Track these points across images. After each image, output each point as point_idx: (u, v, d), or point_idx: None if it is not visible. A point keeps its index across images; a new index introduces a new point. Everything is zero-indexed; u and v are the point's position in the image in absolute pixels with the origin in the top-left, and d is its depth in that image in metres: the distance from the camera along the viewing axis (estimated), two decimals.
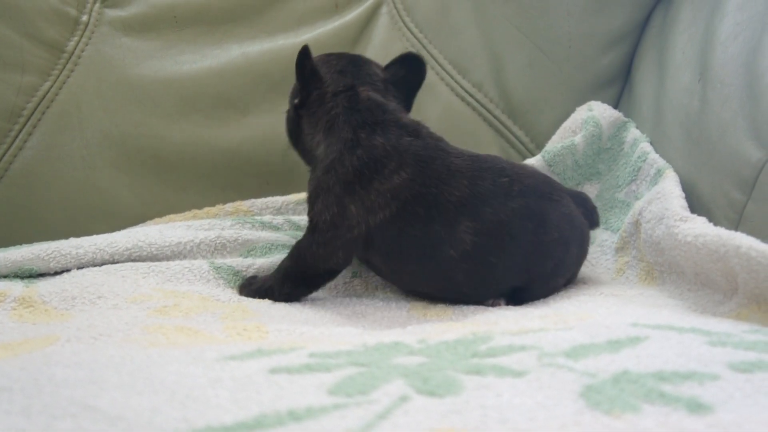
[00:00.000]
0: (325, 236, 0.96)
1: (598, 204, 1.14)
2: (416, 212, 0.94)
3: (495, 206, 0.94)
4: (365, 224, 0.94)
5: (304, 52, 1.03)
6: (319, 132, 1.03)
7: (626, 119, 1.24)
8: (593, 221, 1.07)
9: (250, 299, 0.97)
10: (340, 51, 1.29)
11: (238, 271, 1.05)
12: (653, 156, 1.12)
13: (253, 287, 1.01)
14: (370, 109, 1.01)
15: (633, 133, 1.20)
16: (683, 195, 0.99)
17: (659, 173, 1.07)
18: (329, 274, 1.01)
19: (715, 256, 0.81)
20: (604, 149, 1.22)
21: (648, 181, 1.10)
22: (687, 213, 0.93)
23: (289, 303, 0.97)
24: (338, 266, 1.00)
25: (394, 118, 1.01)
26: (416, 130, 1.00)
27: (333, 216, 0.95)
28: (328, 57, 1.10)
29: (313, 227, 0.98)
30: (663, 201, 0.98)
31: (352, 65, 1.08)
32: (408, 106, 1.11)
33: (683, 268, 0.91)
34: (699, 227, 0.86)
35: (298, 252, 1.00)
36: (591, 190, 1.20)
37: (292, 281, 0.99)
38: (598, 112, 1.23)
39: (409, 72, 1.10)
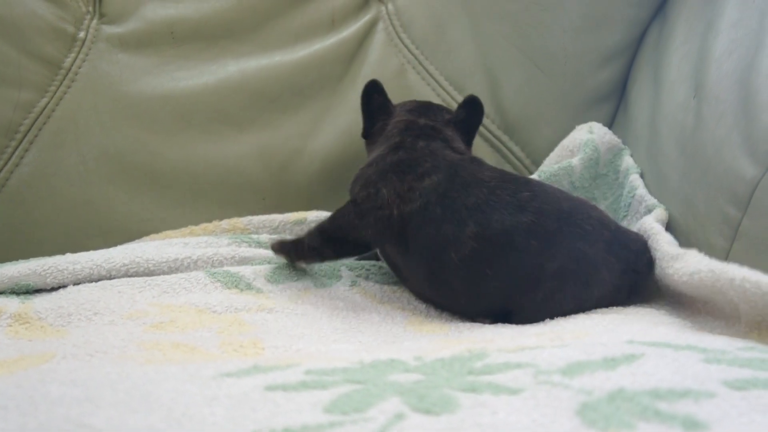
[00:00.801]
0: (361, 208, 1.00)
1: None
2: (435, 212, 0.96)
3: (504, 215, 0.93)
4: (397, 209, 0.98)
5: (371, 86, 1.14)
6: (375, 149, 1.09)
7: (623, 146, 1.24)
8: (638, 271, 0.97)
9: (248, 307, 0.97)
10: (339, 67, 1.31)
11: (234, 274, 1.04)
12: (641, 192, 1.13)
13: (284, 240, 1.07)
14: (424, 128, 1.08)
15: (626, 161, 1.20)
16: (663, 230, 1.00)
17: (648, 212, 1.08)
18: (355, 246, 1.05)
19: (713, 289, 0.82)
20: (600, 174, 1.22)
21: (638, 218, 1.10)
22: (676, 249, 0.93)
23: (285, 315, 0.96)
24: (366, 239, 1.02)
25: (445, 137, 1.07)
26: (461, 151, 1.06)
27: (369, 194, 1.00)
28: (408, 101, 1.18)
29: (352, 200, 1.03)
30: (651, 242, 0.99)
31: (423, 107, 1.15)
32: (467, 146, 1.14)
33: (681, 300, 0.92)
34: (692, 264, 0.85)
35: (337, 214, 1.03)
36: None
37: (322, 236, 1.03)
38: (597, 135, 1.23)
39: (468, 113, 1.14)
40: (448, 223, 0.95)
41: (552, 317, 0.94)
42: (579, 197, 1.07)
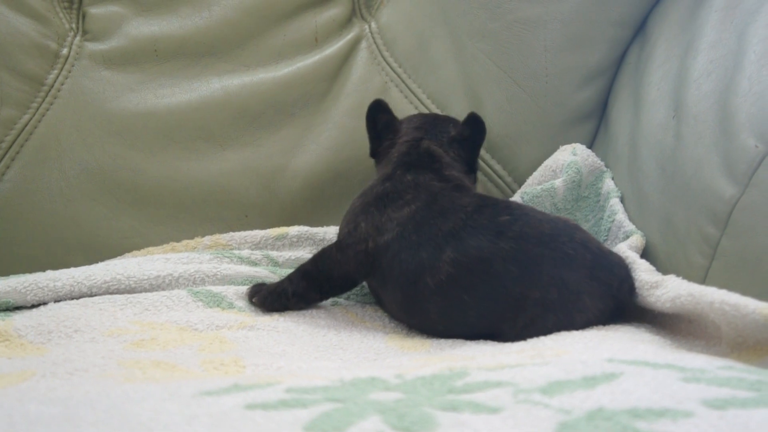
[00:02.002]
0: (341, 243, 1.02)
1: None
2: (410, 239, 0.97)
3: (481, 241, 0.92)
4: (373, 241, 1.00)
5: (375, 107, 1.18)
6: (380, 169, 1.12)
7: (605, 169, 1.25)
8: (621, 298, 0.95)
9: (229, 326, 0.97)
10: (322, 85, 1.31)
11: (216, 294, 1.04)
12: (620, 217, 1.13)
13: (264, 291, 1.03)
14: (421, 156, 1.10)
15: (607, 184, 1.21)
16: (638, 257, 1.01)
17: (626, 237, 1.09)
18: (342, 282, 1.04)
19: (694, 314, 0.83)
20: (582, 197, 1.22)
21: (616, 244, 1.10)
22: (654, 276, 0.93)
23: (267, 332, 0.96)
24: (350, 274, 1.03)
25: (439, 166, 1.08)
26: (453, 180, 1.06)
27: (350, 231, 1.02)
28: (415, 115, 1.21)
29: (338, 239, 1.05)
30: None
31: (430, 123, 1.17)
32: (471, 162, 1.16)
33: (662, 319, 0.92)
34: (671, 291, 0.86)
35: (319, 255, 1.04)
36: None
37: (307, 279, 1.03)
38: (581, 157, 1.24)
39: (472, 131, 1.15)
40: (423, 249, 0.95)
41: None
42: (561, 217, 1.07)
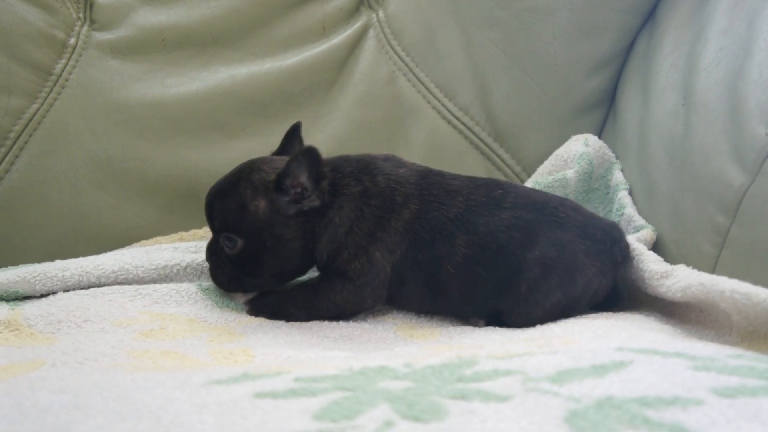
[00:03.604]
0: (355, 284, 0.98)
1: None
2: (423, 238, 0.97)
3: (486, 217, 0.97)
4: (389, 264, 0.98)
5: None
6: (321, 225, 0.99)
7: (614, 160, 1.25)
8: (614, 259, 0.99)
9: (238, 321, 0.97)
10: (329, 74, 1.31)
11: (227, 294, 1.04)
12: (629, 211, 1.14)
13: (270, 309, 1.01)
14: (359, 163, 1.03)
15: (616, 176, 1.21)
16: (646, 249, 1.00)
17: (636, 231, 1.09)
18: (352, 314, 1.02)
19: (705, 303, 0.83)
20: (592, 189, 1.23)
21: None
22: (664, 266, 0.93)
23: (276, 324, 0.97)
24: (364, 310, 1.02)
25: (356, 160, 1.03)
26: (396, 160, 1.04)
27: (362, 264, 0.97)
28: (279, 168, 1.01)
29: (341, 274, 0.98)
30: (636, 262, 0.99)
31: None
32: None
33: (672, 307, 0.92)
34: (682, 280, 0.86)
35: (326, 291, 0.99)
36: None
37: (309, 313, 1.00)
38: (593, 149, 1.24)
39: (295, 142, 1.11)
40: (438, 242, 0.97)
41: (541, 309, 0.96)
42: (549, 193, 1.10)
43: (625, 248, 1.00)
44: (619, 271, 1.00)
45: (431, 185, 1.00)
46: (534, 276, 0.95)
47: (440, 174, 1.03)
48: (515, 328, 0.95)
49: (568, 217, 0.98)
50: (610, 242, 0.99)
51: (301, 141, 1.10)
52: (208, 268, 1.05)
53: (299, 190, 0.97)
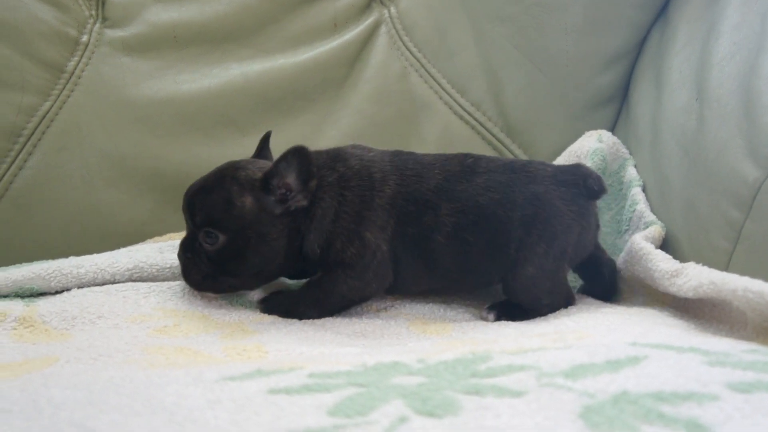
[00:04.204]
0: (356, 270, 0.98)
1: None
2: (410, 211, 0.99)
3: (464, 184, 0.99)
4: (384, 242, 0.98)
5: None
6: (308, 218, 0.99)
7: (628, 156, 1.24)
8: (591, 192, 1.01)
9: (251, 319, 0.97)
10: (341, 70, 1.31)
11: (241, 293, 1.05)
12: (641, 207, 1.13)
13: (282, 307, 1.01)
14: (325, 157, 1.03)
15: (630, 173, 1.21)
16: (653, 248, 1.00)
17: (647, 228, 1.08)
18: (361, 301, 1.03)
19: (717, 300, 0.82)
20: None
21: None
22: (673, 265, 0.93)
23: (289, 321, 0.97)
24: (372, 294, 1.02)
25: (326, 152, 1.04)
26: (364, 147, 1.06)
27: (357, 248, 0.97)
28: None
29: (340, 264, 0.98)
30: (644, 262, 0.99)
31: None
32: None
33: (686, 302, 0.92)
34: (693, 279, 0.86)
35: (331, 284, 1.00)
36: None
37: (320, 310, 1.00)
38: (606, 145, 1.23)
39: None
40: (423, 214, 0.98)
41: (531, 266, 0.98)
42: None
43: (598, 178, 1.02)
44: (596, 198, 1.03)
45: (405, 161, 1.02)
46: (519, 235, 0.98)
47: (411, 153, 1.05)
48: (529, 322, 0.96)
49: (538, 170, 1.01)
50: (582, 179, 1.01)
51: (269, 149, 1.10)
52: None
53: (283, 191, 0.96)
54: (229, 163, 1.02)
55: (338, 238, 0.98)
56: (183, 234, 1.22)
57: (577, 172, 1.02)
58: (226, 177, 0.98)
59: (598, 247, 1.09)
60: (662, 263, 0.95)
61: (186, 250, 1.00)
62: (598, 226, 1.06)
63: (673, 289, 0.90)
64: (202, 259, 0.98)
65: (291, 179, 0.96)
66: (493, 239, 0.98)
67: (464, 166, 1.01)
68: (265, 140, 1.10)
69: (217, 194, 0.97)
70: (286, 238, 0.98)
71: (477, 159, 1.03)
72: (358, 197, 0.98)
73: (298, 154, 0.94)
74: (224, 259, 0.98)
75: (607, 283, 1.08)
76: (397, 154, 1.04)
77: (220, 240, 0.96)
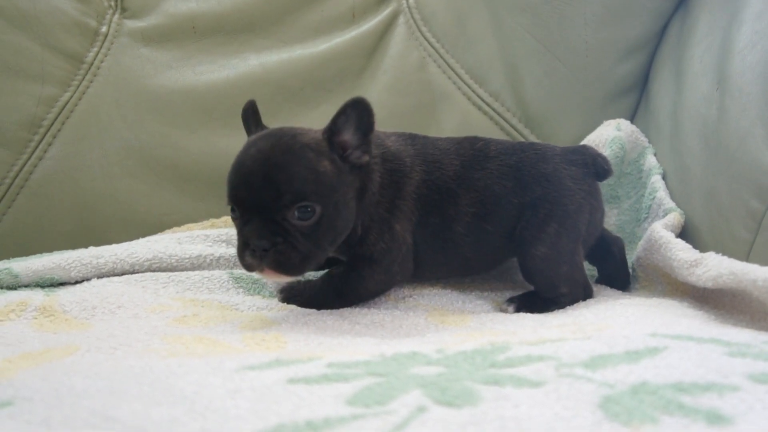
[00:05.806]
0: (382, 265, 0.98)
1: (620, 234, 1.15)
2: (433, 200, 0.99)
3: (480, 171, 1.00)
4: (409, 234, 0.99)
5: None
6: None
7: (647, 144, 1.24)
8: (599, 172, 1.04)
9: (270, 308, 0.97)
10: (359, 60, 1.30)
11: (257, 280, 1.05)
12: (661, 194, 1.13)
13: (303, 297, 0.99)
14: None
15: (650, 161, 1.20)
16: (673, 237, 1.00)
17: (666, 215, 1.08)
18: (384, 291, 1.03)
19: (737, 291, 0.82)
20: (624, 173, 1.22)
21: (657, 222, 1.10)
22: (693, 254, 0.93)
23: (307, 312, 0.97)
24: (395, 284, 1.03)
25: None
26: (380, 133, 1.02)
27: (387, 242, 0.97)
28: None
29: (368, 258, 0.97)
30: (663, 251, 0.99)
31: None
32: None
33: (705, 293, 0.91)
34: (712, 269, 0.86)
35: (356, 278, 0.98)
36: (609, 214, 1.20)
37: (342, 301, 0.99)
38: (625, 133, 1.23)
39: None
40: (445, 203, 0.99)
41: (543, 245, 0.99)
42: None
43: (605, 159, 1.05)
44: (603, 178, 1.05)
45: (424, 146, 1.02)
46: (527, 216, 0.99)
47: (425, 137, 1.05)
48: (547, 314, 0.96)
49: (545, 150, 1.04)
50: (591, 159, 1.04)
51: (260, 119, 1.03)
52: (246, 261, 0.88)
53: (340, 150, 0.91)
54: (280, 133, 0.92)
55: (373, 230, 0.96)
56: (202, 224, 1.23)
57: (585, 152, 1.05)
58: (296, 146, 0.89)
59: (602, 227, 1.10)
60: (681, 253, 0.94)
61: (275, 235, 0.87)
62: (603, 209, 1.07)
63: (692, 279, 0.90)
64: (297, 238, 0.87)
65: (348, 135, 0.91)
66: (508, 224, 1.00)
67: (476, 150, 1.03)
68: (253, 111, 1.02)
69: (299, 166, 0.87)
70: (354, 199, 0.93)
71: (487, 142, 1.04)
72: (394, 182, 0.98)
73: (357, 105, 0.89)
74: (322, 231, 0.89)
75: (618, 261, 1.09)
76: (412, 138, 1.04)
77: (317, 212, 0.88)
